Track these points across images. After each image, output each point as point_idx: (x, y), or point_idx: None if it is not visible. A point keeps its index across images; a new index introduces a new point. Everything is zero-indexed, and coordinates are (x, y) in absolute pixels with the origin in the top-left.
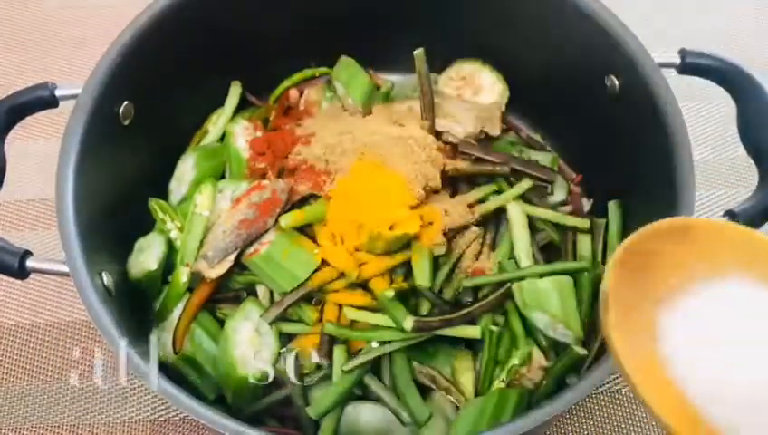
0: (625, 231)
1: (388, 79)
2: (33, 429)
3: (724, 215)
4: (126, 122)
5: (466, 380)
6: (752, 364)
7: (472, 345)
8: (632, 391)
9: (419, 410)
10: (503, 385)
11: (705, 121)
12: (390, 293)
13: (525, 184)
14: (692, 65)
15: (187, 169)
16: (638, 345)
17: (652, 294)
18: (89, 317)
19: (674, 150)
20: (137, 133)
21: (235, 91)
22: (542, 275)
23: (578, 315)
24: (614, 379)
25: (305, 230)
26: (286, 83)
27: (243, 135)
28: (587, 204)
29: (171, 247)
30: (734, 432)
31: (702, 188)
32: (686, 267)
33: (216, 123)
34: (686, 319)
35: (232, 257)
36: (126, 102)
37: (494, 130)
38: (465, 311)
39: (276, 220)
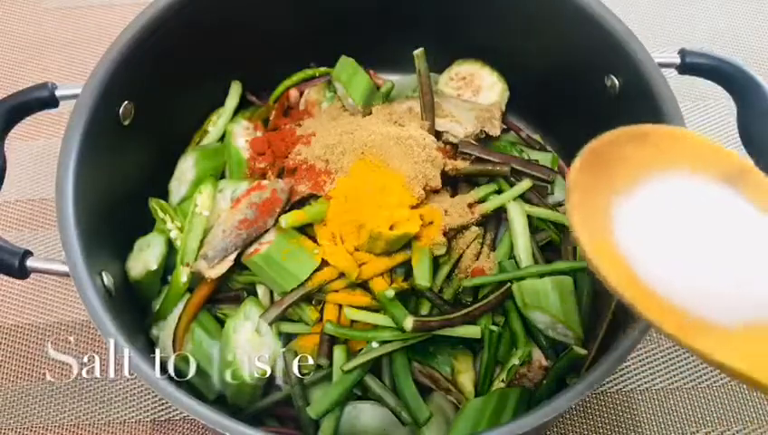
0: None
1: (389, 79)
2: (34, 429)
3: None
4: (126, 122)
5: (466, 380)
6: (688, 242)
7: (472, 345)
8: (587, 262)
9: (419, 410)
10: (503, 385)
11: (705, 121)
12: (390, 293)
13: (525, 184)
14: (692, 65)
15: (187, 168)
16: (596, 226)
17: (612, 186)
18: (89, 317)
19: None
20: (137, 133)
21: (235, 92)
22: (542, 275)
23: (578, 315)
24: (614, 379)
25: (305, 230)
26: (286, 83)
27: (243, 135)
28: None
29: (171, 247)
30: (666, 296)
31: None
32: (643, 166)
33: (216, 123)
34: (638, 205)
35: (232, 257)
36: (126, 102)
37: (494, 130)
38: (465, 311)
39: (276, 220)
